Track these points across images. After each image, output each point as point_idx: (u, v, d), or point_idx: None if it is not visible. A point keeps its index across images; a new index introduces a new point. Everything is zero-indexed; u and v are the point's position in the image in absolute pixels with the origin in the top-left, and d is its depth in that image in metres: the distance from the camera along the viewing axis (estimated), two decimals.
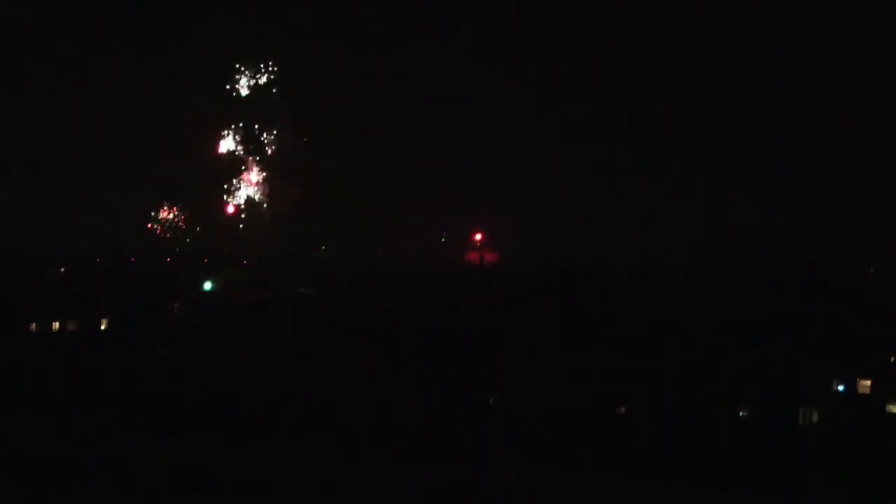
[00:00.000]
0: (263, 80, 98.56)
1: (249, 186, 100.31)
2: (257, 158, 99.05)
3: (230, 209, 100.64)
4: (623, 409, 58.96)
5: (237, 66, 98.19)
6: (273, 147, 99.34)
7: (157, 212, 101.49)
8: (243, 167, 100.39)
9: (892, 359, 57.45)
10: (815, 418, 56.45)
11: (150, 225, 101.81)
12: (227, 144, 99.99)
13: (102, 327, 71.27)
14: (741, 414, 57.32)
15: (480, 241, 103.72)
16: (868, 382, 56.44)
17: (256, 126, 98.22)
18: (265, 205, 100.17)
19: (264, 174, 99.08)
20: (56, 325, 70.17)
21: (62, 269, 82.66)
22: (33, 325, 69.32)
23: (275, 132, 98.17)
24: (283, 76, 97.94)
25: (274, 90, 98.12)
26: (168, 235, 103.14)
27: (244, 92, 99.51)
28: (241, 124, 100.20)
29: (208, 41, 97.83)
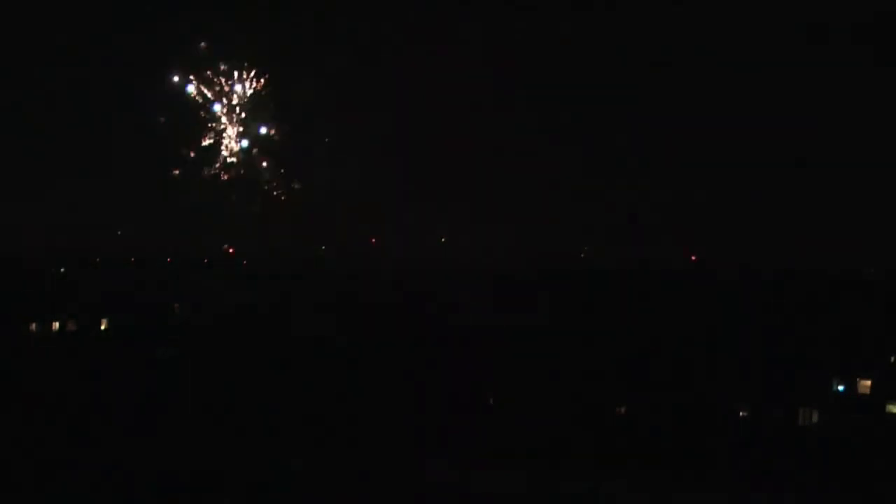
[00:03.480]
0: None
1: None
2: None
3: None
4: (623, 410, 59.03)
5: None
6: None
7: None
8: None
9: (892, 359, 57.55)
10: (815, 418, 56.49)
11: None
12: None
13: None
14: (741, 414, 57.35)
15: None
16: (868, 382, 56.53)
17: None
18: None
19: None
20: (56, 325, 70.20)
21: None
22: (33, 325, 69.36)
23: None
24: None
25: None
26: None
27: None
28: None
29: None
